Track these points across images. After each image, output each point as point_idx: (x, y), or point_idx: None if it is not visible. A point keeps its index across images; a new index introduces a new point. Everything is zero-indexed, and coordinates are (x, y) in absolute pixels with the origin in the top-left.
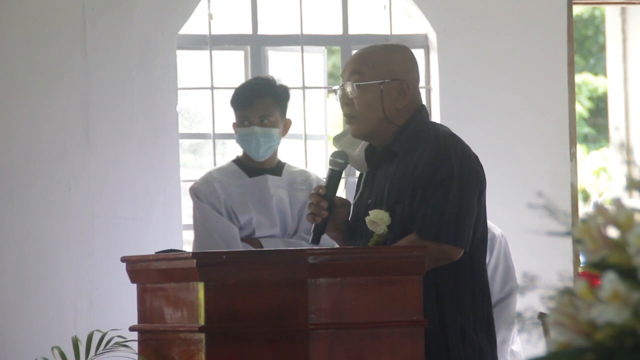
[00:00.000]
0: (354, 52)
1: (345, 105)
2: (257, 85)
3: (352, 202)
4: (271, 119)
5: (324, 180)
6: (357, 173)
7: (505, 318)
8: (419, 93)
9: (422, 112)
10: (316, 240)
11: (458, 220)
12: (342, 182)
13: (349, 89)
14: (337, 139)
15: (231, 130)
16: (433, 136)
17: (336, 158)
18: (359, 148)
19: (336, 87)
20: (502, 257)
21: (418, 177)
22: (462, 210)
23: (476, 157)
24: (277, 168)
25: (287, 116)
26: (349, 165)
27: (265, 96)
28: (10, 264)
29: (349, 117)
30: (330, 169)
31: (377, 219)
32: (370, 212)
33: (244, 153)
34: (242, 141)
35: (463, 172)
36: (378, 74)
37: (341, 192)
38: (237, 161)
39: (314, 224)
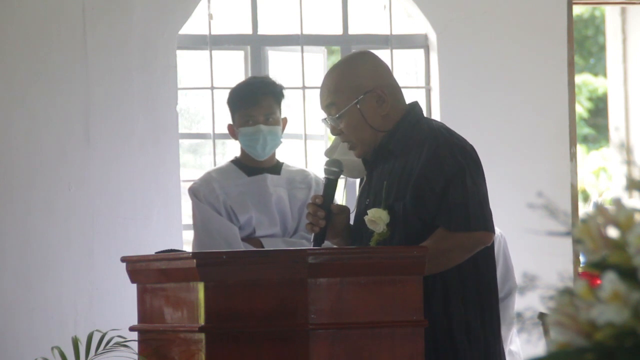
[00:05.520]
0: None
1: (337, 134)
2: (261, 84)
3: (354, 207)
4: (274, 117)
5: (323, 180)
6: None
7: (503, 318)
8: (399, 91)
9: (413, 109)
10: None
11: (481, 206)
12: (341, 188)
13: (331, 123)
14: (329, 153)
15: None
16: (428, 132)
17: (331, 167)
18: None
19: (322, 119)
20: (501, 257)
21: (421, 174)
22: (481, 196)
23: (472, 146)
24: (276, 167)
25: (284, 115)
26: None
27: (268, 94)
28: (10, 264)
29: (347, 144)
30: (325, 177)
31: (376, 217)
32: (368, 211)
33: (242, 153)
34: (248, 140)
35: (468, 161)
36: (349, 96)
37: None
38: (236, 161)
39: (313, 234)
